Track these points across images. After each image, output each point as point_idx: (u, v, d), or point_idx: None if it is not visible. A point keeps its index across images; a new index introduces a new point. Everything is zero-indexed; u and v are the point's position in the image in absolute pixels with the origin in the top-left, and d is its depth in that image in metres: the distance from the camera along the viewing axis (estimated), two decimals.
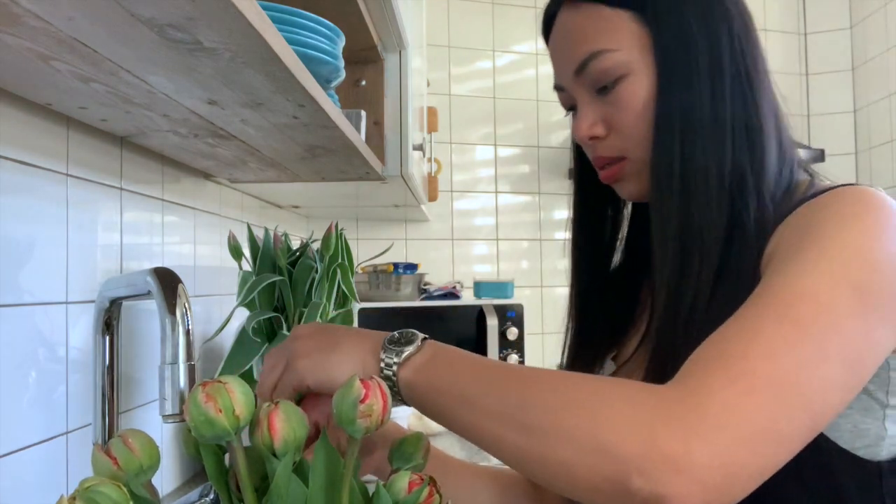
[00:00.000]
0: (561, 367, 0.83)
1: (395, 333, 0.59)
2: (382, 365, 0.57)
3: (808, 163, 0.72)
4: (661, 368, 0.64)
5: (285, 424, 0.50)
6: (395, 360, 0.57)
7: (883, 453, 0.62)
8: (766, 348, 0.50)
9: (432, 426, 1.56)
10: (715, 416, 0.47)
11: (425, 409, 0.57)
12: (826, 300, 0.52)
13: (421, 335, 0.59)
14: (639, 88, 0.67)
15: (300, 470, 0.53)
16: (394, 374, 0.57)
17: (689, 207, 0.65)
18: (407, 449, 0.59)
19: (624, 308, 0.80)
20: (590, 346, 0.80)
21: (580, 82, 0.70)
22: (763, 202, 0.64)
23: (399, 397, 0.58)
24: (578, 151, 0.78)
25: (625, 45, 0.67)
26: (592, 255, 0.80)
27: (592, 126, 0.69)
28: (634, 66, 0.67)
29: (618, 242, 0.81)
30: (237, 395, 0.49)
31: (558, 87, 0.74)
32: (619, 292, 0.80)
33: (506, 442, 0.51)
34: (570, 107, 0.74)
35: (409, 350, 0.57)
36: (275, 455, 0.50)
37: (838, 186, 0.63)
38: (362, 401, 0.49)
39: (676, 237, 0.66)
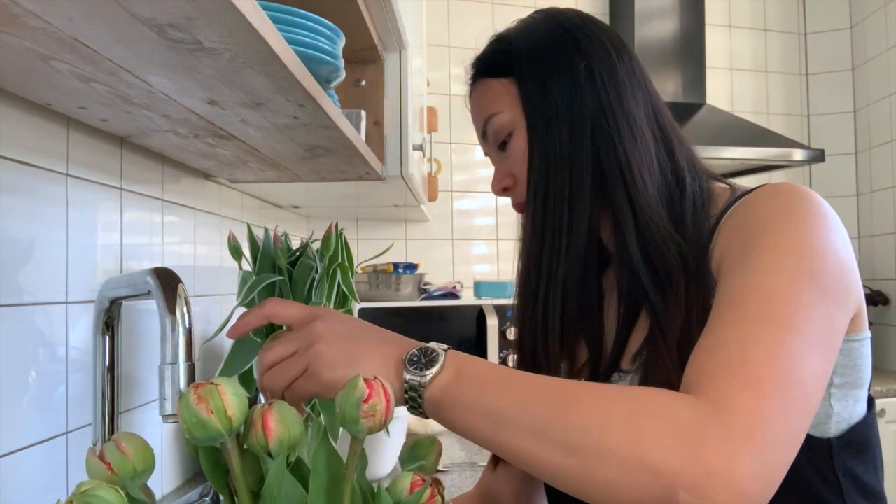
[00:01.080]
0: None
1: (415, 351, 0.58)
2: (407, 387, 0.57)
3: (721, 175, 0.78)
4: (529, 361, 0.77)
5: (279, 425, 0.50)
6: (420, 380, 0.57)
7: (832, 431, 0.66)
8: (761, 351, 0.52)
9: (433, 426, 1.56)
10: (744, 427, 0.49)
11: (454, 427, 0.57)
12: (793, 295, 0.56)
13: (442, 349, 0.58)
14: (521, 140, 0.77)
15: (298, 470, 0.53)
16: (419, 396, 0.57)
17: (548, 224, 0.74)
18: (420, 452, 0.59)
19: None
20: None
21: (488, 145, 0.82)
22: (641, 202, 0.71)
23: (423, 414, 0.58)
24: None
25: (507, 107, 0.78)
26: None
27: (502, 180, 0.81)
28: (517, 123, 0.77)
29: None
30: (229, 396, 0.48)
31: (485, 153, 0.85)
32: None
33: (546, 461, 0.52)
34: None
35: (433, 371, 0.57)
36: (269, 455, 0.50)
37: (763, 186, 0.68)
38: (366, 401, 0.49)
39: (538, 245, 0.75)
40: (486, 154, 0.85)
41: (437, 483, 0.54)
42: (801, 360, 0.52)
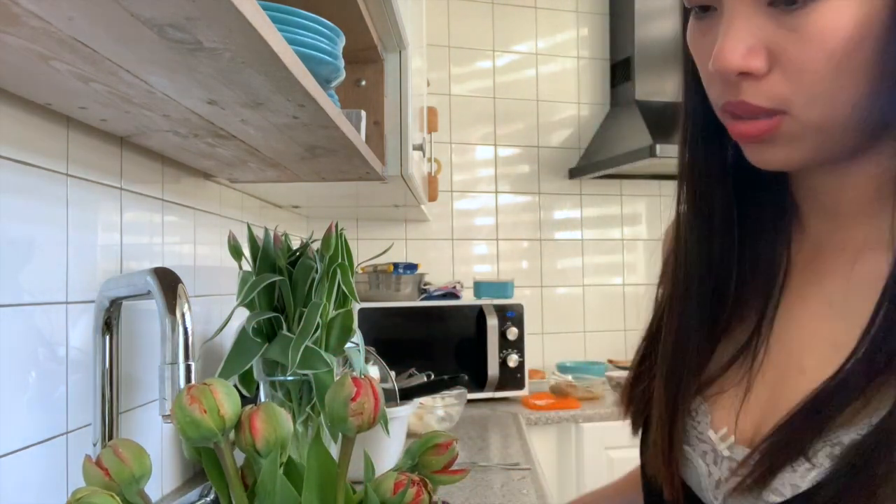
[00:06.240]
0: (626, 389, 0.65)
1: None
2: None
3: None
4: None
5: (265, 424, 0.50)
6: None
7: None
8: None
9: (433, 426, 1.56)
10: None
11: None
12: None
13: None
14: (841, 16, 0.44)
15: (290, 471, 0.53)
16: None
17: None
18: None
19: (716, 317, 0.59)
20: (684, 360, 0.58)
21: None
22: None
23: None
24: (696, 78, 0.55)
25: None
26: (703, 239, 0.57)
27: (749, 55, 0.46)
28: None
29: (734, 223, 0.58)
30: (221, 395, 0.49)
31: None
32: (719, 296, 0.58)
33: None
34: (702, 7, 0.50)
35: None
36: (259, 454, 0.50)
37: None
38: (353, 399, 0.49)
39: None
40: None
41: (422, 483, 0.54)
42: None
